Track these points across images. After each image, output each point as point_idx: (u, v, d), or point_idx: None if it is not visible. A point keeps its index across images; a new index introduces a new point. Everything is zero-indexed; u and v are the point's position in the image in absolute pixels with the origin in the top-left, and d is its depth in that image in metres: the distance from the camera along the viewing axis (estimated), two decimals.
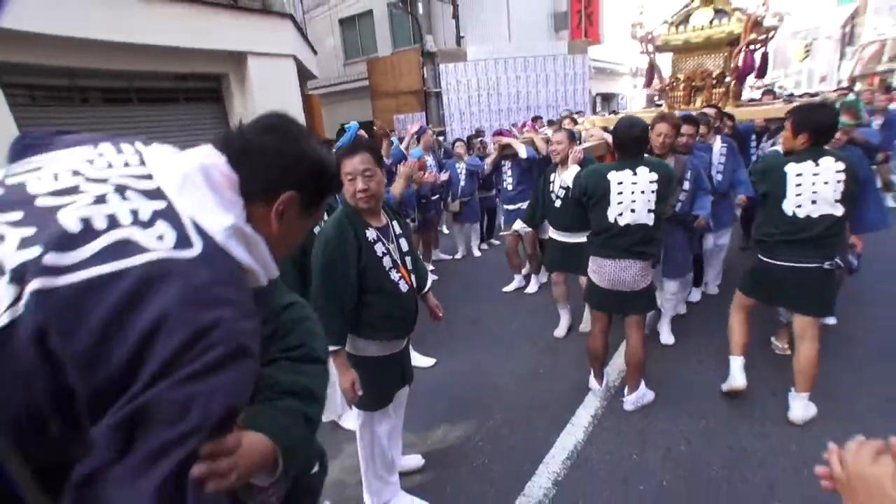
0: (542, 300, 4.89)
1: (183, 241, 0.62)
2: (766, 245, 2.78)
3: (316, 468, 1.31)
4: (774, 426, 2.78)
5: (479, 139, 7.66)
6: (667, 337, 3.82)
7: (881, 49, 19.91)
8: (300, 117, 5.14)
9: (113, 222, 0.60)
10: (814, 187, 2.56)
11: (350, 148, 1.99)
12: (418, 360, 3.86)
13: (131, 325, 0.55)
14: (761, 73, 5.50)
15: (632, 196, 2.70)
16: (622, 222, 2.73)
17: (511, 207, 5.13)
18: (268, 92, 7.84)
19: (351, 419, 2.94)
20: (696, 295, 4.50)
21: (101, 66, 6.19)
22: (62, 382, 0.54)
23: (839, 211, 2.54)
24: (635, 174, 2.70)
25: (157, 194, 0.65)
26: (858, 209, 2.89)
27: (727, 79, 5.17)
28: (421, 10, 12.13)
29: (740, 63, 5.02)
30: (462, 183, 6.16)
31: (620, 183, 2.71)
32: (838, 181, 2.52)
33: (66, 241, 0.57)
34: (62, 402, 0.55)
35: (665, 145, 3.24)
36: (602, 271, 2.87)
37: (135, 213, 0.62)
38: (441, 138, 6.70)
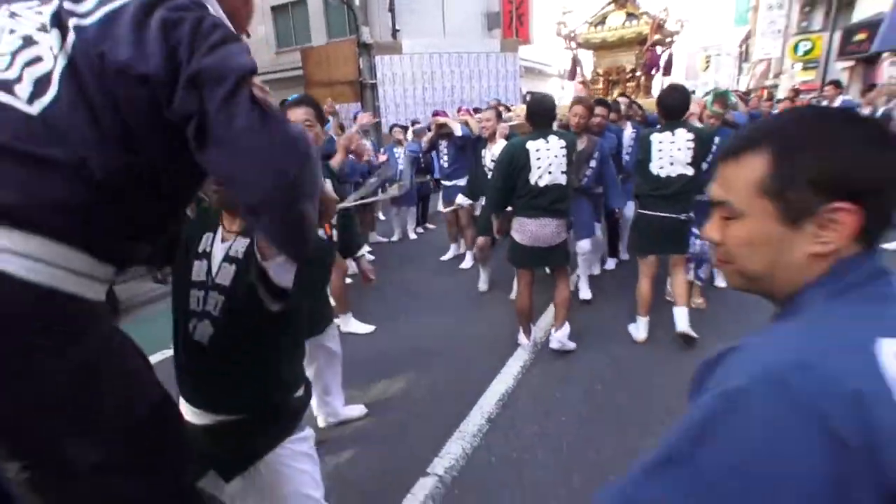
0: (475, 270, 5.23)
1: None
2: (641, 200, 3.48)
3: (302, 391, 1.48)
4: (671, 364, 3.25)
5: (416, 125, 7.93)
6: (585, 293, 4.32)
7: (768, 67, 22.46)
8: None
9: None
10: (671, 153, 3.23)
11: (296, 100, 2.17)
12: (358, 327, 4.05)
13: (149, 29, 0.72)
14: (667, 71, 6.16)
15: (548, 160, 3.10)
16: (542, 183, 3.12)
17: (448, 184, 5.58)
18: None
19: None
20: (611, 264, 5.04)
21: None
22: (130, 85, 0.72)
23: (690, 171, 3.22)
24: (547, 142, 3.12)
25: None
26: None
27: (638, 73, 5.76)
28: (357, 2, 12.16)
29: (646, 61, 5.62)
30: (400, 167, 6.38)
31: (538, 150, 3.11)
32: (689, 148, 3.19)
33: None
34: (136, 102, 0.73)
35: (580, 125, 3.72)
36: (524, 230, 3.23)
37: None
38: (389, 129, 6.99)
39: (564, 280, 3.46)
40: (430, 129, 5.93)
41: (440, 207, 6.86)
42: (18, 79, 0.70)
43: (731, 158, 0.64)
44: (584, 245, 4.26)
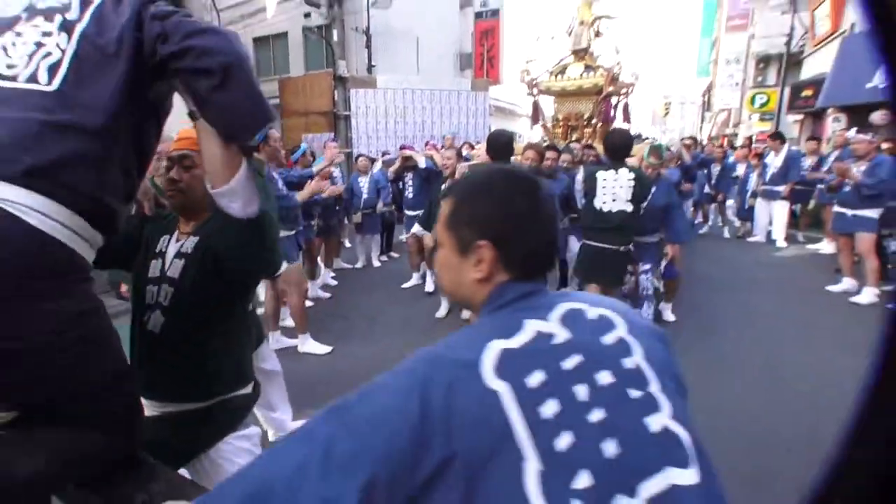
0: (436, 297, 5.43)
1: None
2: (585, 231, 3.82)
3: (249, 389, 1.58)
4: None
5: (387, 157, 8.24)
6: None
7: (729, 116, 23.92)
8: None
9: None
10: (613, 189, 3.56)
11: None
12: (315, 347, 4.19)
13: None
14: (626, 118, 6.64)
15: None
16: None
17: (411, 213, 5.89)
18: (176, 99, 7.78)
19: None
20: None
21: None
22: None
23: (630, 208, 3.55)
24: None
25: None
26: (669, 224, 4.00)
27: (594, 120, 6.19)
28: (336, 38, 12.61)
29: (602, 110, 6.08)
30: (365, 195, 6.61)
31: None
32: (630, 186, 3.53)
33: (69, 10, 0.99)
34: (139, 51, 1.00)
35: (531, 168, 4.00)
36: None
37: None
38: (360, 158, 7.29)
39: None
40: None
41: (403, 237, 7.12)
42: (37, 69, 0.93)
43: (441, 201, 0.89)
44: None
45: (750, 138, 12.50)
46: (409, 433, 0.62)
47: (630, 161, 3.79)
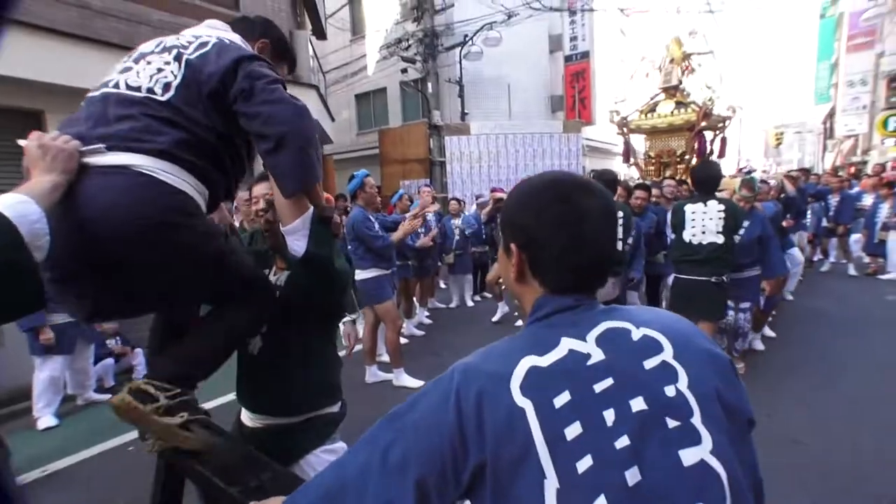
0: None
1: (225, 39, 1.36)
2: (676, 265, 3.75)
3: (337, 408, 1.72)
4: None
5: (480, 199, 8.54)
6: None
7: (856, 143, 21.56)
8: None
9: (197, 41, 1.33)
10: (703, 222, 3.52)
11: (260, 175, 1.97)
12: (410, 381, 4.43)
13: (223, 64, 1.27)
14: (721, 154, 6.37)
15: None
16: None
17: None
18: None
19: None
20: None
21: None
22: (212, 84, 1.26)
23: (720, 240, 3.47)
24: None
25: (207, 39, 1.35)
26: (764, 258, 3.91)
27: (687, 156, 6.02)
28: (430, 90, 13.45)
29: (696, 145, 5.90)
30: (456, 237, 6.90)
31: None
32: (720, 218, 3.46)
33: (186, 49, 1.30)
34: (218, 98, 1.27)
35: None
36: None
37: (197, 37, 1.34)
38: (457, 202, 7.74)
39: None
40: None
41: (454, 303, 7.49)
42: (155, 84, 1.24)
43: None
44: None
45: (882, 166, 11.20)
46: (449, 438, 0.68)
47: (722, 194, 3.70)
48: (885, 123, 15.55)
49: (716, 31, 22.98)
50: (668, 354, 0.71)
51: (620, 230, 3.51)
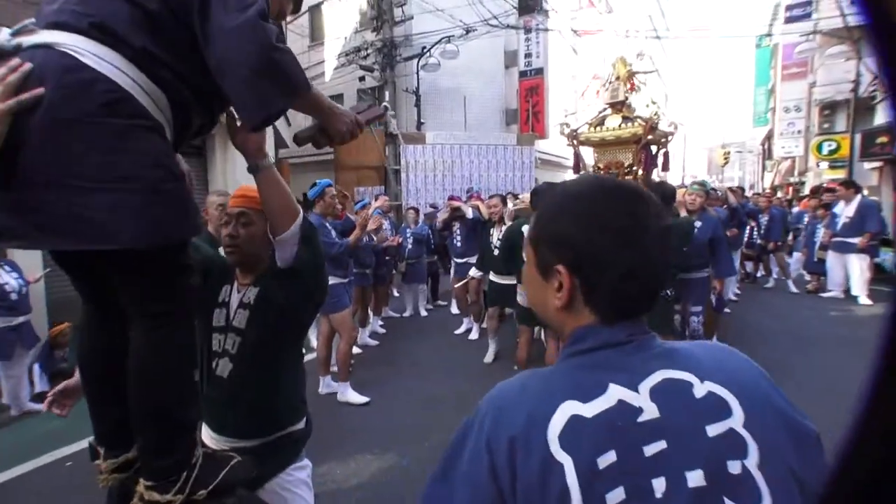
0: (483, 342, 5.45)
1: None
2: None
3: (303, 424, 1.63)
4: None
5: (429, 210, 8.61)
6: None
7: (793, 165, 23.09)
8: None
9: None
10: None
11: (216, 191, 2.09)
12: (354, 397, 4.28)
13: None
14: (665, 167, 6.67)
15: None
16: None
17: (460, 261, 6.40)
18: (236, 156, 8.50)
19: None
20: None
21: None
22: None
23: None
24: None
25: None
26: (716, 258, 4.11)
27: (635, 168, 6.28)
28: (387, 98, 13.43)
29: (642, 158, 6.17)
30: (409, 246, 6.89)
31: None
32: None
33: None
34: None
35: None
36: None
37: None
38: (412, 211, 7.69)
39: (554, 339, 3.84)
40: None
41: (408, 312, 7.58)
42: None
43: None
44: None
45: (818, 187, 12.02)
46: (487, 492, 0.61)
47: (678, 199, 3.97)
48: (819, 148, 16.54)
49: (662, 55, 24.08)
50: (736, 421, 0.60)
51: None
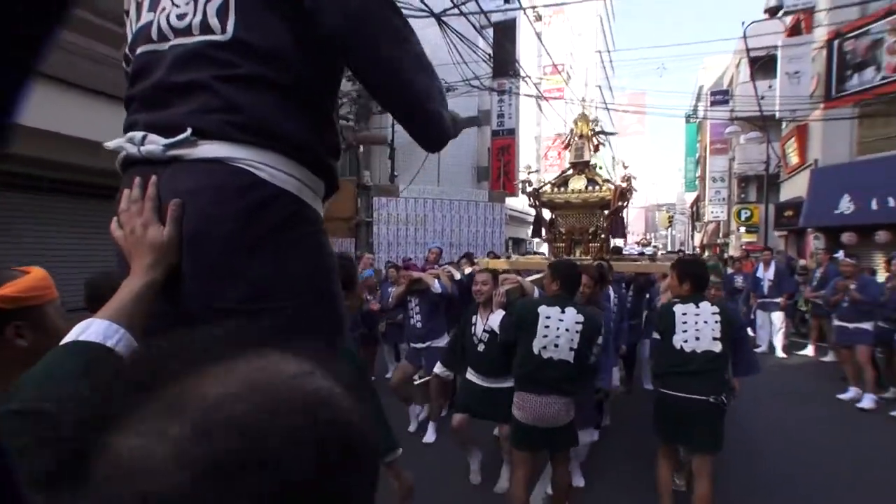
0: (454, 455, 4.09)
1: None
2: (661, 378, 3.15)
3: None
4: None
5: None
6: (578, 480, 3.78)
7: (718, 227, 25.57)
8: None
9: None
10: (696, 325, 2.95)
11: None
12: None
13: None
14: (622, 232, 6.97)
15: (556, 331, 2.87)
16: (545, 356, 2.86)
17: (420, 346, 4.78)
18: None
19: None
20: (595, 435, 4.16)
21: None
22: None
23: (718, 347, 2.90)
24: (563, 312, 2.92)
25: None
26: (738, 356, 3.16)
27: (601, 235, 6.28)
28: (361, 149, 13.83)
29: (609, 225, 6.29)
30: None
31: (548, 317, 2.90)
32: (716, 322, 2.93)
33: None
34: None
35: (586, 295, 3.66)
36: (526, 406, 2.90)
37: None
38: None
39: (564, 465, 3.11)
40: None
41: (389, 374, 6.04)
42: (205, 15, 0.82)
43: None
44: (584, 437, 3.62)
45: (747, 252, 13.61)
46: None
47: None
48: (738, 214, 19.40)
49: (608, 123, 26.04)
50: None
51: (580, 340, 2.88)
